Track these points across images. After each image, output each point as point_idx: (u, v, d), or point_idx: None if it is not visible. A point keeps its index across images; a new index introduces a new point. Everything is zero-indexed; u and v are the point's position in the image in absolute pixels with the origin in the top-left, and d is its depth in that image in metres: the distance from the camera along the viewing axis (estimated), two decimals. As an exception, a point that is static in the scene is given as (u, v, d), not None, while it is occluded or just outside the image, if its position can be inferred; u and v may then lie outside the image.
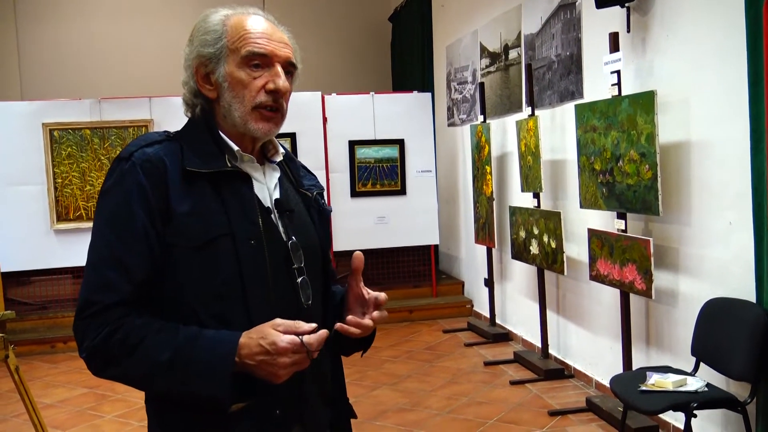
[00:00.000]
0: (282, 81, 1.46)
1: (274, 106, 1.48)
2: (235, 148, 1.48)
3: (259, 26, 1.48)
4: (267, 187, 1.53)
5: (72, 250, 6.32)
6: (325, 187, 6.72)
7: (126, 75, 8.99)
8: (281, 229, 1.49)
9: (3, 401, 4.85)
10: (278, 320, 1.34)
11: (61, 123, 6.40)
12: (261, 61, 1.46)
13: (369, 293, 1.51)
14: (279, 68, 1.47)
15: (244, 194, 1.46)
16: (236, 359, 1.32)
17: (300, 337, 1.31)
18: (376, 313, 1.49)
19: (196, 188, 1.42)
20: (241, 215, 1.43)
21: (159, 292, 1.39)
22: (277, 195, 1.53)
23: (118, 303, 1.34)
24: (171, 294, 1.39)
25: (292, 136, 6.70)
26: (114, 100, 6.61)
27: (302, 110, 6.74)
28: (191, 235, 1.38)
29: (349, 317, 1.46)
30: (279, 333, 1.32)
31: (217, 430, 1.38)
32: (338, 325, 1.45)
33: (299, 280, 1.48)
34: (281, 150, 1.59)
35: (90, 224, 6.71)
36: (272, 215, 1.49)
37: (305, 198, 1.62)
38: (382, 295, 1.52)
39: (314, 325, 1.34)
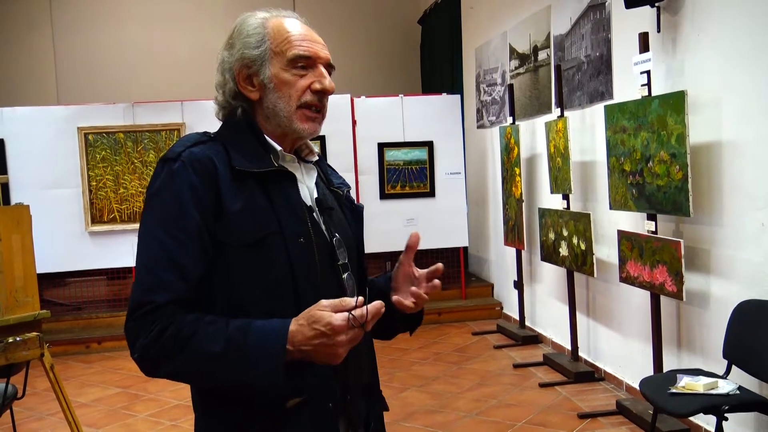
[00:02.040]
0: (328, 81, 1.51)
1: (318, 106, 1.51)
2: (278, 147, 1.50)
3: (298, 29, 1.52)
4: (307, 186, 1.55)
5: (106, 252, 6.45)
6: (354, 189, 6.76)
7: (158, 79, 9.13)
8: (323, 226, 1.51)
9: (39, 399, 4.95)
10: (323, 301, 1.33)
11: (96, 127, 6.52)
12: (306, 62, 1.49)
13: (420, 270, 1.56)
14: (323, 69, 1.51)
15: (291, 193, 1.48)
16: (289, 347, 1.30)
17: (350, 312, 1.30)
18: (434, 282, 1.55)
19: (246, 187, 1.43)
20: (289, 213, 1.45)
21: (210, 290, 1.39)
22: (316, 194, 1.55)
23: (171, 302, 1.34)
24: (222, 292, 1.40)
25: (321, 139, 6.74)
26: (147, 104, 6.72)
27: (331, 113, 6.56)
28: (243, 234, 1.39)
29: (413, 288, 1.52)
30: (331, 313, 1.30)
31: (273, 425, 1.38)
32: (395, 297, 1.50)
33: (345, 275, 1.51)
34: (315, 150, 1.62)
35: (124, 226, 6.83)
36: (314, 213, 1.51)
37: (337, 196, 1.64)
38: (439, 265, 1.56)
39: (361, 298, 1.33)
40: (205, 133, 1.53)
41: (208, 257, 1.38)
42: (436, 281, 1.56)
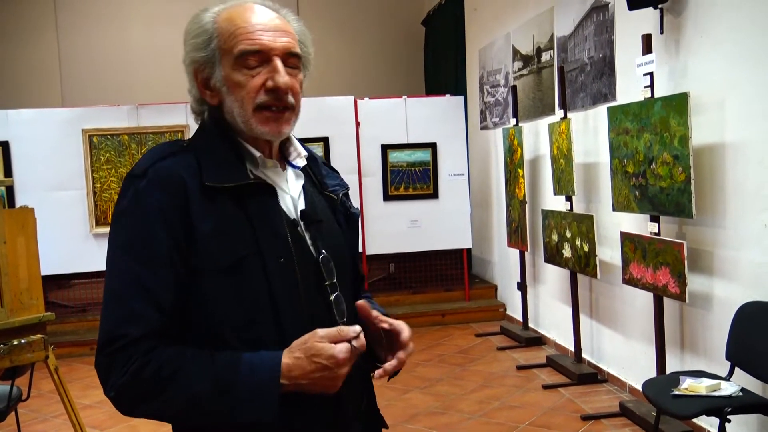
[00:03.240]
0: (281, 77, 1.32)
1: (278, 105, 1.34)
2: (257, 154, 1.37)
3: (252, 18, 1.34)
4: (291, 196, 1.41)
5: (110, 254, 6.45)
6: (357, 191, 6.77)
7: (163, 81, 9.14)
8: (309, 242, 1.39)
9: (44, 401, 4.97)
10: (319, 331, 1.25)
11: (100, 129, 6.55)
12: (256, 58, 1.32)
13: (389, 326, 1.41)
14: (278, 62, 1.33)
15: (270, 207, 1.35)
16: (284, 381, 1.23)
17: (350, 343, 1.25)
18: (402, 354, 1.41)
19: (218, 204, 1.30)
20: (268, 231, 1.32)
21: (186, 319, 1.28)
22: (302, 205, 1.42)
23: (146, 335, 1.23)
24: (199, 321, 1.29)
25: (325, 141, 6.76)
26: (151, 106, 6.74)
27: (335, 114, 6.80)
28: (217, 257, 1.28)
29: (387, 366, 1.38)
30: (332, 345, 1.23)
31: None
32: (376, 373, 1.39)
33: (332, 297, 1.38)
34: (303, 153, 1.47)
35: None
36: (299, 228, 1.38)
37: (330, 201, 1.50)
38: (405, 334, 1.41)
39: (358, 328, 1.28)
40: (178, 141, 1.39)
41: (181, 283, 1.27)
42: (410, 347, 1.42)
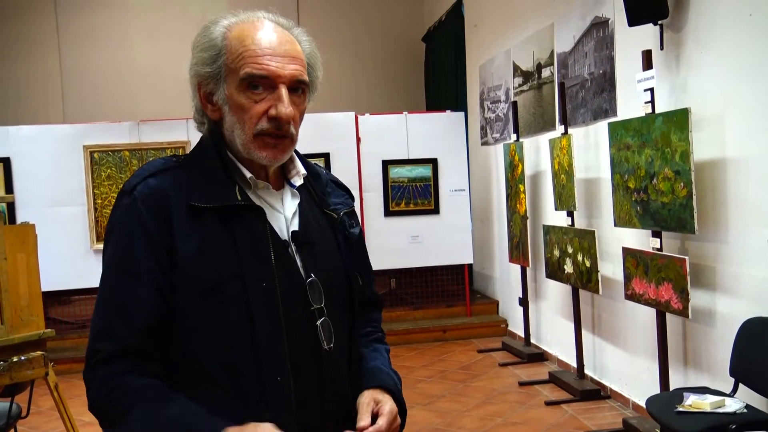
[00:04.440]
0: (284, 108, 1.30)
1: (278, 134, 1.32)
2: (248, 175, 1.35)
3: (262, 39, 1.31)
4: (285, 216, 1.39)
5: (111, 270, 6.43)
6: (359, 207, 6.76)
7: (164, 98, 9.16)
8: (299, 264, 1.36)
9: (43, 418, 4.94)
10: (264, 426, 1.20)
11: (102, 145, 6.55)
12: (262, 83, 1.30)
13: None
14: (283, 91, 1.30)
15: (256, 229, 1.32)
16: None
17: None
18: None
19: (203, 224, 1.29)
20: (252, 253, 1.30)
21: (165, 337, 1.28)
22: (295, 226, 1.39)
23: (120, 351, 1.24)
24: (177, 340, 1.28)
25: (326, 156, 6.76)
26: (152, 122, 6.75)
27: (336, 130, 6.81)
28: (197, 278, 1.26)
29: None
30: None
31: None
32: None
33: (319, 322, 1.35)
34: (302, 171, 1.44)
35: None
36: (289, 249, 1.36)
37: (331, 219, 1.47)
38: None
39: None
40: (173, 157, 1.38)
41: (160, 303, 1.26)
42: None
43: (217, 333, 1.27)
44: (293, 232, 1.38)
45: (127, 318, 1.25)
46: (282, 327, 1.30)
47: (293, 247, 1.37)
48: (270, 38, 1.31)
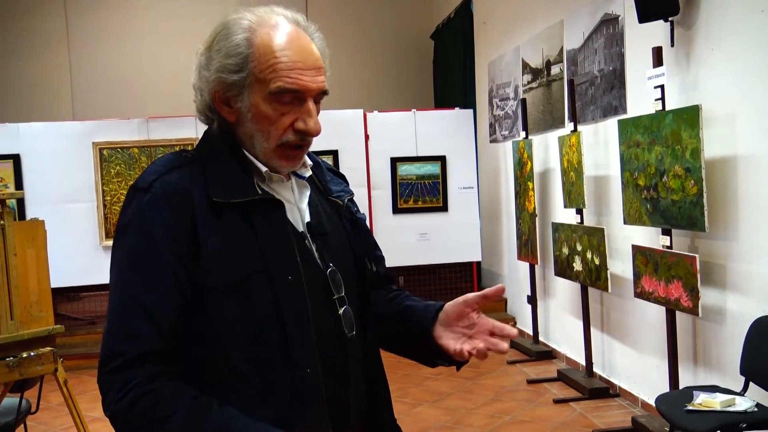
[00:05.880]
0: (313, 122, 1.30)
1: (301, 145, 1.33)
2: (264, 168, 1.33)
3: (291, 49, 1.28)
4: (299, 208, 1.38)
5: (120, 267, 6.45)
6: (367, 204, 6.76)
7: (173, 95, 9.15)
8: (316, 255, 1.36)
9: (52, 414, 4.96)
10: None
11: (111, 142, 6.58)
12: (291, 96, 1.28)
13: (484, 319, 1.40)
14: (311, 105, 1.30)
15: (278, 222, 1.31)
16: None
17: None
18: (500, 346, 1.36)
19: (225, 220, 1.27)
20: (275, 247, 1.29)
21: (188, 336, 1.25)
22: (307, 217, 1.39)
23: (145, 355, 1.20)
24: (201, 339, 1.25)
25: (334, 154, 6.77)
26: (161, 119, 6.77)
27: (344, 128, 6.81)
28: (223, 275, 1.24)
29: (480, 346, 1.34)
30: None
31: None
32: (447, 342, 1.37)
33: (341, 311, 1.36)
34: (309, 162, 1.44)
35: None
36: (306, 241, 1.36)
37: (336, 207, 1.46)
38: (511, 331, 1.39)
39: None
40: (184, 152, 1.36)
41: (184, 303, 1.24)
42: (503, 345, 1.35)
43: (245, 329, 1.25)
44: (308, 223, 1.38)
45: (152, 319, 1.21)
46: (310, 318, 1.30)
47: (309, 239, 1.37)
48: (297, 47, 1.29)
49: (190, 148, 1.41)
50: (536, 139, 5.99)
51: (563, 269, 5.21)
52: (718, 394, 3.16)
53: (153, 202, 1.25)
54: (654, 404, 3.37)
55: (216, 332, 1.25)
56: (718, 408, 3.03)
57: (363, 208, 6.71)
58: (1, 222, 3.14)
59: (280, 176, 1.36)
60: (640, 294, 4.04)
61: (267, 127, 1.30)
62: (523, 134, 6.04)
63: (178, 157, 1.34)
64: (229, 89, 1.30)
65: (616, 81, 4.69)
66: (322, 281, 1.35)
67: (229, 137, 1.35)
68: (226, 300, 1.25)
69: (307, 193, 1.42)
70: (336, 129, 6.72)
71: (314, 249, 1.36)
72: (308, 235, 1.37)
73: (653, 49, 3.88)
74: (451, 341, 1.39)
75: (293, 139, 1.31)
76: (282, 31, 1.30)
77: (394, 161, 6.97)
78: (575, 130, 4.92)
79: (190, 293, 1.24)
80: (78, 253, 6.46)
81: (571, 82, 5.11)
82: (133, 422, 1.19)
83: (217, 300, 1.25)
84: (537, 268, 6.12)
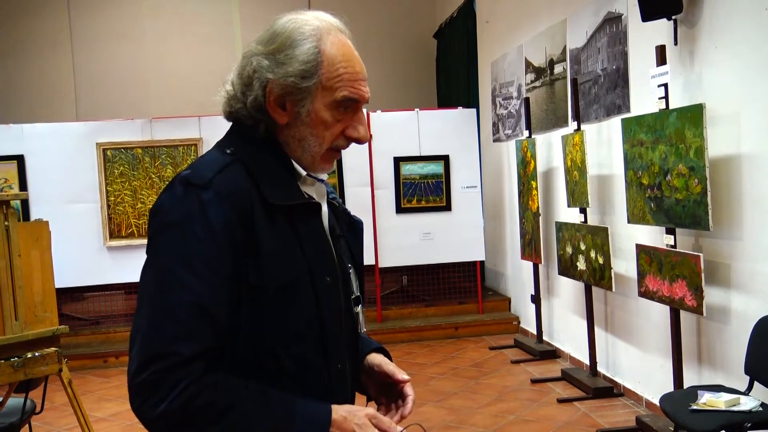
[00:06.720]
0: (364, 130, 1.37)
1: (345, 148, 1.39)
2: (303, 172, 1.36)
3: (353, 60, 1.35)
4: (324, 211, 1.42)
5: (124, 267, 6.47)
6: (371, 204, 6.76)
7: (176, 95, 9.21)
8: (334, 255, 1.40)
9: (57, 414, 4.97)
10: (375, 414, 1.30)
11: (114, 142, 6.58)
12: (350, 105, 1.34)
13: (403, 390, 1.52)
14: (363, 114, 1.38)
15: (317, 226, 1.36)
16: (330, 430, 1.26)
17: None
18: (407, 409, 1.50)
19: (277, 222, 1.29)
20: (317, 250, 1.34)
21: (236, 334, 1.26)
22: (327, 221, 1.43)
23: (199, 355, 1.18)
24: (250, 335, 1.26)
25: (337, 153, 6.75)
26: (165, 119, 6.77)
27: (347, 127, 6.79)
28: (276, 276, 1.27)
29: (405, 412, 1.48)
30: (373, 428, 1.27)
31: None
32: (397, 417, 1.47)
33: (358, 308, 1.44)
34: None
35: (142, 241, 6.86)
36: (334, 242, 1.42)
37: (333, 209, 1.48)
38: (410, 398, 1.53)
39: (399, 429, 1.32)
40: (225, 151, 1.33)
41: (238, 301, 1.25)
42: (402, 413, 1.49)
43: (292, 327, 1.30)
44: (330, 225, 1.43)
45: (209, 319, 1.20)
46: (343, 317, 1.38)
47: (331, 242, 1.41)
48: (355, 58, 1.37)
49: (193, 148, 1.43)
50: (539, 138, 5.98)
51: (567, 268, 5.21)
52: (722, 393, 3.15)
53: (216, 201, 1.23)
54: (658, 404, 3.37)
55: (264, 328, 1.27)
56: (723, 407, 3.03)
57: (366, 207, 6.74)
58: (6, 223, 3.15)
59: (313, 180, 1.40)
60: (644, 293, 4.04)
61: (323, 132, 1.33)
62: (526, 133, 6.03)
63: (224, 155, 1.33)
64: (292, 93, 1.31)
65: (619, 80, 4.68)
66: (344, 281, 1.42)
67: (275, 142, 1.36)
68: (277, 299, 1.27)
69: (325, 196, 1.45)
70: (339, 129, 6.72)
71: (333, 250, 1.42)
72: (330, 238, 1.42)
73: (657, 47, 3.87)
74: (371, 384, 1.54)
75: (343, 144, 1.36)
76: (342, 41, 1.36)
77: (398, 161, 6.97)
78: (578, 129, 4.91)
79: (244, 292, 1.25)
80: (82, 253, 6.47)
81: (574, 81, 5.10)
82: (191, 419, 1.18)
83: (269, 298, 1.27)
84: (541, 267, 6.11)
